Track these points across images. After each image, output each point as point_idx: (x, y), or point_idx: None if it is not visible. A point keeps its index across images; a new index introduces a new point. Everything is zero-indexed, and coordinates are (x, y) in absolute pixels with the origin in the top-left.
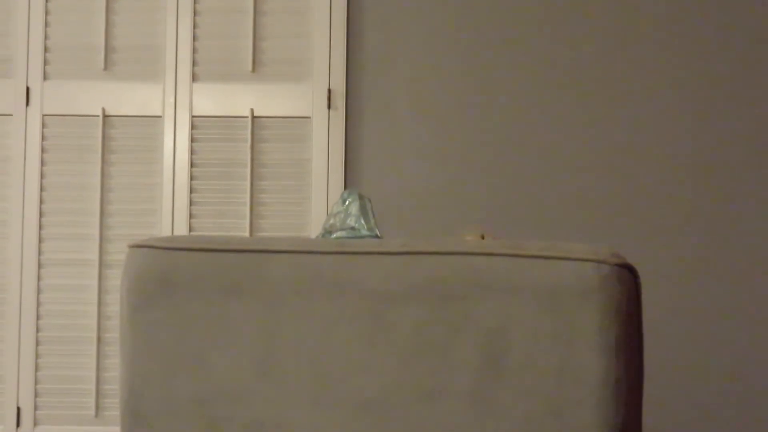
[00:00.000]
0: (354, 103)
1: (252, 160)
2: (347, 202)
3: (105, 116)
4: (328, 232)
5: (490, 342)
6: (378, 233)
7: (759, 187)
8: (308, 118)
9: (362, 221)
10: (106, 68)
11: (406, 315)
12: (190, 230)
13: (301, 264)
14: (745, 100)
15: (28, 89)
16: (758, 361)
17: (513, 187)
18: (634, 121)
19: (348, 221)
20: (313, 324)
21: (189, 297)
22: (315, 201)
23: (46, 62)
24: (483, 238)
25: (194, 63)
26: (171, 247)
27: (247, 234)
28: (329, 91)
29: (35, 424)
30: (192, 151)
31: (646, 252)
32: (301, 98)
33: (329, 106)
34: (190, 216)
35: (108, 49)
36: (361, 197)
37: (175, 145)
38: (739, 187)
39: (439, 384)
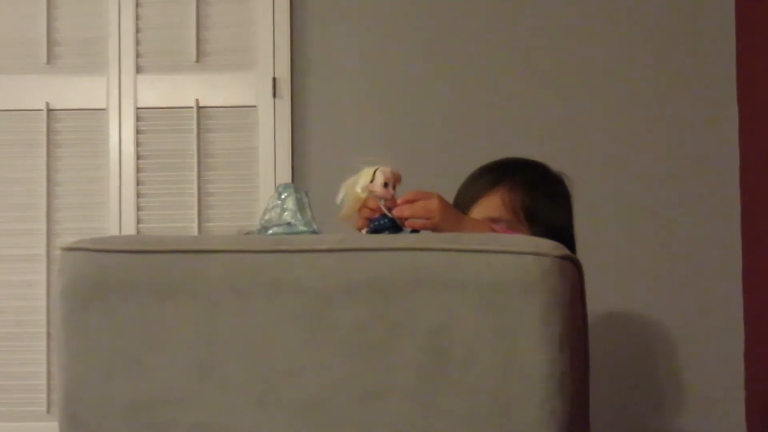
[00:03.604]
0: (300, 91)
1: (198, 150)
2: (283, 197)
3: (49, 110)
4: (264, 228)
5: (432, 339)
6: (315, 228)
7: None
8: (254, 107)
9: (299, 216)
10: (48, 62)
11: (346, 314)
12: (138, 222)
13: (238, 263)
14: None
15: None
16: (704, 350)
17: (465, 175)
18: (596, 113)
19: (284, 216)
20: (253, 324)
21: (124, 300)
22: (263, 190)
23: None
24: (375, 176)
25: (138, 54)
26: (104, 249)
27: (195, 224)
28: (274, 79)
29: None
30: (138, 143)
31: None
32: (246, 87)
33: (275, 95)
34: (138, 208)
35: (50, 42)
36: (297, 191)
37: (120, 138)
38: (684, 180)
39: (382, 383)
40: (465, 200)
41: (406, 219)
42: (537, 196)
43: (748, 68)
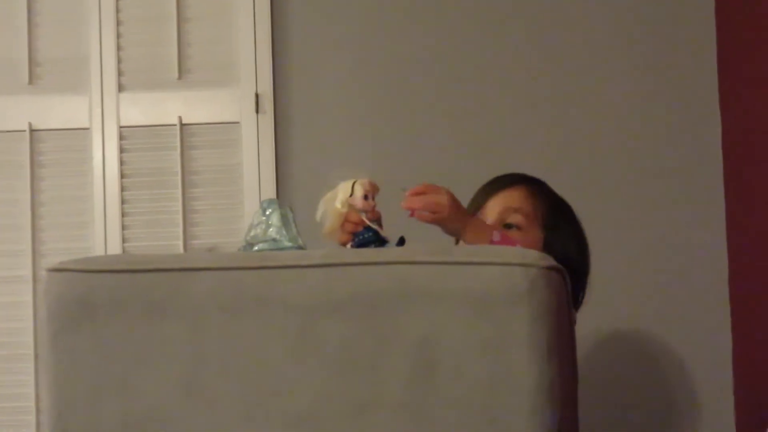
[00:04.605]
0: (282, 106)
1: (182, 167)
2: (267, 212)
3: (32, 131)
4: (249, 244)
5: (419, 352)
6: (301, 243)
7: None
8: (237, 123)
9: (284, 232)
10: (30, 82)
11: (333, 328)
12: (124, 241)
13: (224, 280)
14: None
15: None
16: (693, 357)
17: (451, 186)
18: (580, 122)
19: (269, 232)
20: (240, 341)
21: (111, 319)
22: (248, 206)
23: None
24: (354, 189)
25: (120, 73)
26: (89, 270)
27: (181, 242)
28: (257, 95)
29: None
30: (121, 162)
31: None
32: (229, 103)
33: (257, 111)
34: (123, 227)
35: (32, 62)
36: (281, 206)
37: (104, 157)
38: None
39: (370, 397)
40: (481, 196)
41: (415, 210)
42: (559, 218)
43: (729, 76)
